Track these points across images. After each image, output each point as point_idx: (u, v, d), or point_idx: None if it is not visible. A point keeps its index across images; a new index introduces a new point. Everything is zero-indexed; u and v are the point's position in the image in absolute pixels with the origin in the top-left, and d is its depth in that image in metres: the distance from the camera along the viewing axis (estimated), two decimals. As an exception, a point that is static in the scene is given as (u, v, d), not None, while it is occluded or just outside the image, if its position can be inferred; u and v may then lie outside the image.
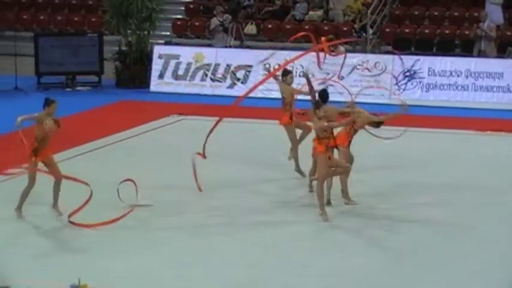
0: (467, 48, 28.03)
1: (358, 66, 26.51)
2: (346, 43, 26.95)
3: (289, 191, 17.84)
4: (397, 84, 26.19)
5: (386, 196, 17.39)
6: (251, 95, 24.21)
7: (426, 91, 25.89)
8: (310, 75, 19.27)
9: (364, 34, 28.91)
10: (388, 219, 16.21)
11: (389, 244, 14.94)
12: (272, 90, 26.35)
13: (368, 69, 26.37)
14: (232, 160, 19.58)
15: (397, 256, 14.33)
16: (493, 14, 28.57)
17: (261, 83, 20.25)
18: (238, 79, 27.56)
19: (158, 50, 28.59)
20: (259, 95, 26.04)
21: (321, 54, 19.51)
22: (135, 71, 28.33)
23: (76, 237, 15.19)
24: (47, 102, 16.34)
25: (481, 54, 27.12)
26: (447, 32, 28.72)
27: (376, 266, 13.84)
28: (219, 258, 14.25)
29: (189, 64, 28.04)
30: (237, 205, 16.77)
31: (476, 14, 28.12)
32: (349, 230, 15.65)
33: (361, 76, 26.25)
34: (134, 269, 13.70)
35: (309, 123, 17.43)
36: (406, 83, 26.08)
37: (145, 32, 28.83)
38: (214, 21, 29.55)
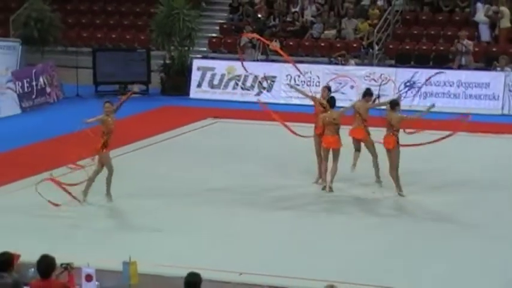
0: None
1: (366, 77, 26.47)
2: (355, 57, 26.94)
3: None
4: (398, 92, 26.11)
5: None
6: (275, 101, 24.48)
7: (424, 98, 25.81)
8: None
9: (371, 50, 28.88)
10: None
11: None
12: (292, 97, 26.48)
13: (374, 80, 26.30)
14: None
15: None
16: (482, 32, 28.51)
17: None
18: (264, 88, 27.60)
19: (197, 63, 28.68)
20: (282, 101, 26.18)
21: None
22: (177, 81, 28.42)
23: (129, 220, 15.27)
24: (103, 104, 16.96)
25: (461, 67, 27.04)
26: (442, 48, 28.64)
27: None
28: (247, 237, 14.35)
29: (222, 75, 28.14)
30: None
31: (467, 33, 27.99)
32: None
33: (368, 85, 26.12)
34: (182, 246, 13.79)
35: None
36: (406, 92, 26.00)
37: (186, 48, 28.93)
38: (244, 39, 29.55)
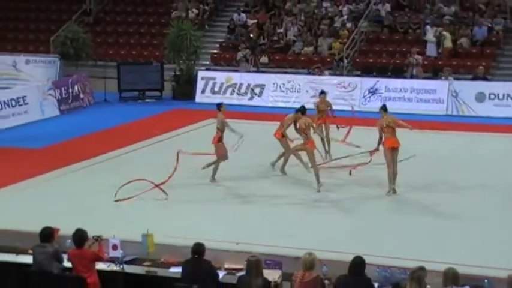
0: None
1: (337, 85, 26.46)
2: (329, 69, 26.93)
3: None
4: (364, 97, 26.15)
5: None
6: (264, 104, 24.41)
7: (384, 102, 25.73)
8: None
9: (341, 63, 28.83)
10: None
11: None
12: (278, 101, 26.48)
13: (344, 87, 26.31)
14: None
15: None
16: (429, 49, 28.52)
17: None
18: (256, 94, 27.55)
19: (201, 74, 28.59)
20: (270, 104, 26.15)
21: None
22: (185, 89, 28.34)
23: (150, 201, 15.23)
24: (218, 107, 17.34)
25: (413, 76, 27.06)
26: (398, 61, 28.61)
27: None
28: (246, 220, 14.35)
29: (222, 83, 28.04)
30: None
31: (418, 49, 28.00)
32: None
33: (339, 92, 26.19)
34: (189, 222, 13.77)
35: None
36: (370, 97, 26.02)
37: (192, 62, 28.85)
38: (239, 54, 29.52)
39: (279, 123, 17.59)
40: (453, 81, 25.87)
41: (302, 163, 16.66)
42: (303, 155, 16.71)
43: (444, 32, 28.42)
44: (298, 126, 16.69)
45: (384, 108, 16.12)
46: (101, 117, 24.82)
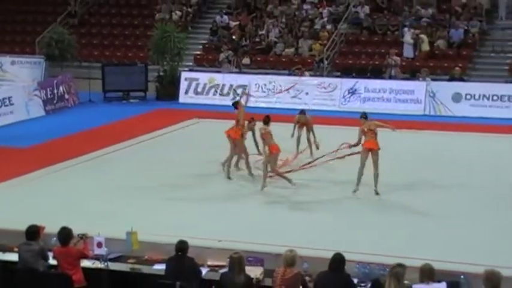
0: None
1: (317, 86, 26.50)
2: (309, 70, 26.96)
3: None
4: (343, 98, 26.20)
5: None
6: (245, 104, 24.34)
7: (363, 102, 25.85)
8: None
9: (321, 64, 28.89)
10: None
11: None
12: (259, 101, 26.49)
13: (324, 88, 26.35)
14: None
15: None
16: (406, 50, 28.62)
17: None
18: (238, 94, 27.52)
19: (184, 75, 28.54)
20: (251, 105, 26.11)
21: None
22: (169, 89, 28.28)
23: (134, 199, 15.19)
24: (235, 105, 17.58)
25: (391, 77, 27.16)
26: (377, 62, 28.71)
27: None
28: (228, 218, 14.34)
29: (205, 84, 28.01)
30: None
31: (396, 51, 28.11)
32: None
33: (320, 92, 26.24)
34: (173, 220, 13.74)
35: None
36: (349, 97, 26.08)
37: (176, 63, 28.81)
38: (222, 56, 29.51)
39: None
40: (430, 82, 25.99)
41: (286, 179, 16.22)
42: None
43: (422, 36, 28.55)
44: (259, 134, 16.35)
45: (363, 116, 15.91)
46: (86, 117, 24.73)
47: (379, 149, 15.49)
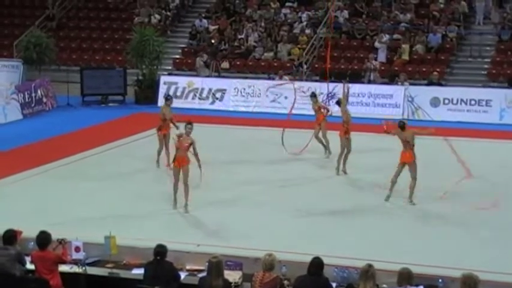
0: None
1: (297, 90, 26.48)
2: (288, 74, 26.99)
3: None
4: (322, 102, 26.22)
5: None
6: (225, 108, 24.29)
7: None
8: None
9: (300, 68, 28.94)
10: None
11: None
12: (239, 106, 26.45)
13: (303, 92, 26.36)
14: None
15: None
16: (379, 55, 28.74)
17: None
18: (217, 98, 27.54)
19: (163, 79, 28.49)
20: (231, 109, 26.11)
21: None
22: (147, 93, 28.21)
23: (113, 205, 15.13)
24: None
25: (370, 81, 27.28)
26: (356, 67, 28.82)
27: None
28: (206, 222, 14.31)
29: (184, 88, 27.97)
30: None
31: (375, 55, 28.21)
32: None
33: (299, 96, 26.23)
34: (151, 226, 13.69)
35: None
36: (328, 101, 26.12)
37: (155, 67, 28.75)
38: (198, 61, 29.50)
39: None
40: (409, 87, 26.12)
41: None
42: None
43: (404, 45, 28.70)
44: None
45: (401, 125, 15.44)
46: (64, 121, 24.64)
47: (414, 160, 15.24)
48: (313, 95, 20.40)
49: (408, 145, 15.28)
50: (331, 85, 26.68)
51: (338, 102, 18.45)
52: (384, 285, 9.91)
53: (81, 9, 35.07)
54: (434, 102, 25.53)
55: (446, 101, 25.51)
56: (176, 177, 14.79)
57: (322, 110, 19.81)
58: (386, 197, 15.43)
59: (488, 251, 12.55)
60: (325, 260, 9.74)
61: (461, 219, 14.45)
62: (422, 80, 27.34)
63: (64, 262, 10.60)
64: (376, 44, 28.90)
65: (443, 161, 18.07)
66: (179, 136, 14.76)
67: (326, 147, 19.25)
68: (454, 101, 25.51)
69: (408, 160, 15.24)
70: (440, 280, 10.37)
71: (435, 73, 26.79)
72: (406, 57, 28.64)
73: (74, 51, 32.63)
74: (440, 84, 26.48)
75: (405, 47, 28.68)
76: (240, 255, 11.55)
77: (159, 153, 18.19)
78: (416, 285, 9.38)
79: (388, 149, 19.91)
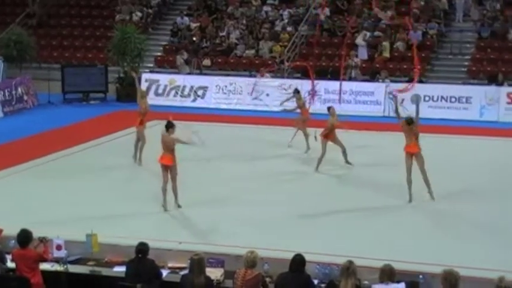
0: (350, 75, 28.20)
1: (278, 87, 26.54)
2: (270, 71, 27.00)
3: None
4: (304, 99, 26.22)
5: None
6: (207, 106, 24.19)
7: (323, 104, 25.89)
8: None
9: (282, 66, 28.95)
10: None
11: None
12: (220, 103, 26.40)
13: (285, 89, 26.38)
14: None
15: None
16: (360, 52, 28.80)
17: None
18: (199, 95, 27.50)
19: (145, 76, 28.42)
20: (212, 106, 26.00)
21: None
22: (129, 90, 27.96)
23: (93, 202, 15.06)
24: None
25: (352, 79, 27.32)
26: (337, 64, 28.74)
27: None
28: (188, 220, 14.27)
29: (165, 86, 27.94)
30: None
31: (356, 52, 28.27)
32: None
33: (280, 94, 26.26)
34: (133, 224, 13.64)
35: None
36: (310, 98, 26.13)
37: (136, 64, 28.67)
38: (179, 59, 29.44)
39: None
40: (390, 84, 26.19)
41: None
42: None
43: (385, 43, 28.77)
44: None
45: (409, 121, 15.35)
46: (45, 118, 24.53)
47: (420, 150, 15.18)
48: (297, 91, 20.49)
49: (414, 138, 15.25)
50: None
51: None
52: (366, 282, 9.91)
53: (62, 6, 34.89)
54: (415, 99, 25.56)
55: (427, 98, 25.59)
56: (165, 178, 14.68)
57: (307, 106, 19.98)
58: (409, 198, 15.20)
59: (469, 246, 12.62)
60: (307, 257, 9.74)
61: (441, 216, 14.52)
62: (403, 77, 27.40)
63: (45, 260, 10.54)
64: (358, 41, 28.95)
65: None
66: (163, 136, 14.71)
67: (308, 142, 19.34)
68: (435, 98, 25.62)
69: (415, 150, 15.18)
70: (421, 276, 10.40)
71: (415, 70, 26.84)
72: (387, 54, 28.73)
73: (54, 48, 32.47)
74: (421, 82, 26.55)
75: (386, 44, 28.78)
76: (221, 252, 11.54)
77: (141, 149, 18.15)
78: (398, 282, 9.39)
79: (369, 146, 20.09)
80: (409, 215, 14.56)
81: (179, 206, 14.71)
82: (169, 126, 14.77)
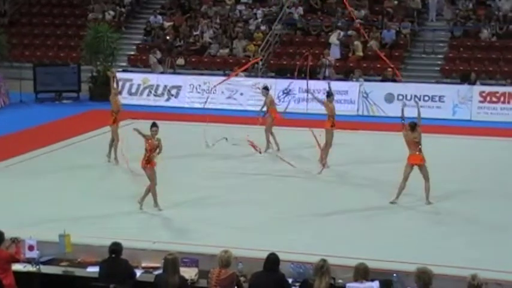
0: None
1: (252, 86, 26.52)
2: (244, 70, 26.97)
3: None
4: (278, 98, 26.27)
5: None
6: (180, 105, 24.09)
7: (297, 103, 25.99)
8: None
9: (256, 65, 28.93)
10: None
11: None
12: (194, 102, 26.35)
13: (259, 88, 26.31)
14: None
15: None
16: (333, 51, 28.89)
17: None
18: (172, 95, 27.42)
19: (118, 75, 28.18)
20: (186, 105, 25.93)
21: None
22: (102, 90, 27.84)
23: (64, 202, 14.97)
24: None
25: (326, 78, 27.39)
26: (311, 63, 28.81)
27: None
28: (163, 220, 14.23)
29: (139, 85, 27.81)
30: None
31: (330, 51, 28.33)
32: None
33: (254, 93, 26.26)
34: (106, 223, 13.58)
35: None
36: (284, 97, 26.18)
37: (109, 63, 28.53)
38: (152, 58, 29.35)
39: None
40: (363, 83, 26.29)
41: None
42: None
43: (356, 42, 28.88)
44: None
45: (412, 125, 15.38)
46: (17, 118, 24.33)
47: (425, 162, 15.12)
48: (266, 88, 20.49)
49: (417, 146, 15.17)
50: (286, 81, 26.77)
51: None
52: (340, 280, 9.94)
53: (34, 5, 34.69)
54: (389, 98, 25.72)
55: (401, 97, 25.65)
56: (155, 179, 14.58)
57: (276, 103, 19.97)
58: (393, 199, 15.16)
59: (442, 244, 12.70)
60: (282, 256, 9.74)
61: (415, 214, 14.60)
62: (377, 76, 27.54)
63: (17, 261, 10.46)
64: (331, 40, 29.02)
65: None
66: (148, 138, 14.58)
67: (268, 142, 19.32)
68: (408, 97, 25.69)
69: (420, 162, 15.10)
70: (395, 275, 10.45)
71: (389, 69, 26.99)
72: (359, 53, 28.84)
73: (26, 47, 32.26)
74: (394, 81, 26.69)
75: (358, 43, 28.88)
76: (196, 252, 11.51)
77: (116, 148, 18.09)
78: (372, 280, 9.42)
79: (343, 144, 20.16)
80: (384, 214, 14.61)
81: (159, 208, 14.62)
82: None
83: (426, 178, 15.16)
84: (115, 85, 19.33)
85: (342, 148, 19.74)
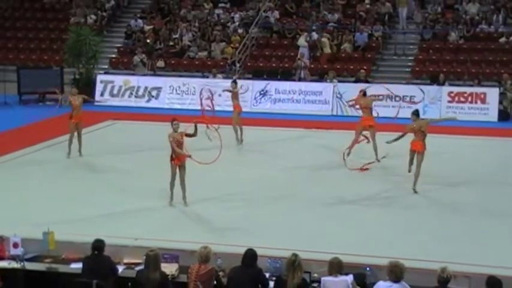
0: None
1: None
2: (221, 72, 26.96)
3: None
4: (255, 99, 26.30)
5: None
6: (160, 106, 24.05)
7: (274, 103, 26.04)
8: None
9: (233, 67, 28.95)
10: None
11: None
12: (174, 103, 26.28)
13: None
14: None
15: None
16: (302, 53, 28.92)
17: None
18: (153, 96, 27.36)
19: (100, 77, 28.20)
20: (166, 106, 25.85)
21: None
22: (85, 92, 27.54)
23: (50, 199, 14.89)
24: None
25: (301, 79, 27.44)
26: (287, 65, 28.96)
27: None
28: (144, 216, 14.21)
29: (120, 87, 27.74)
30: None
31: (305, 53, 28.37)
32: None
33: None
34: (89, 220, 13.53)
35: None
36: (261, 98, 26.20)
37: (91, 66, 28.45)
38: (136, 59, 29.25)
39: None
40: (337, 84, 26.35)
41: None
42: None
43: (323, 39, 28.95)
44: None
45: (416, 113, 15.68)
46: (1, 119, 24.14)
47: (424, 150, 15.38)
48: (234, 81, 20.58)
49: (422, 134, 15.42)
50: (263, 83, 26.78)
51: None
52: (315, 275, 9.97)
53: (17, 9, 34.45)
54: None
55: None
56: (174, 175, 14.55)
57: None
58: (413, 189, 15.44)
59: (414, 237, 12.75)
60: (259, 252, 9.76)
61: (387, 207, 14.65)
62: (350, 77, 27.63)
63: (2, 258, 10.40)
64: (300, 43, 29.02)
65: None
66: (172, 136, 14.37)
67: (237, 135, 19.45)
68: (380, 98, 25.77)
69: (420, 149, 15.40)
70: (368, 268, 10.49)
71: (362, 71, 27.10)
72: (327, 50, 28.87)
73: (10, 50, 32.07)
74: (367, 82, 26.77)
75: (324, 40, 28.92)
76: (176, 248, 11.49)
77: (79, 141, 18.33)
78: (346, 274, 9.46)
79: (318, 144, 20.22)
80: (357, 209, 14.63)
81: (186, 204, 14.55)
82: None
83: (418, 165, 15.41)
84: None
85: (317, 147, 19.80)
